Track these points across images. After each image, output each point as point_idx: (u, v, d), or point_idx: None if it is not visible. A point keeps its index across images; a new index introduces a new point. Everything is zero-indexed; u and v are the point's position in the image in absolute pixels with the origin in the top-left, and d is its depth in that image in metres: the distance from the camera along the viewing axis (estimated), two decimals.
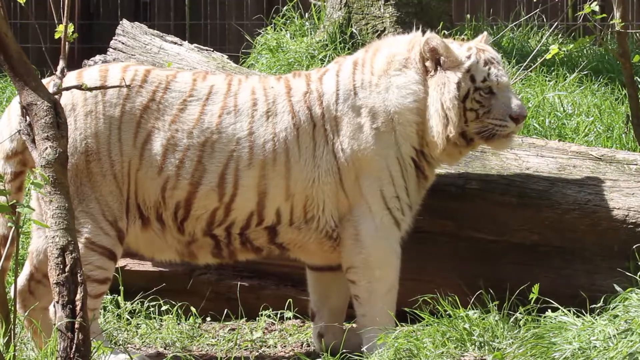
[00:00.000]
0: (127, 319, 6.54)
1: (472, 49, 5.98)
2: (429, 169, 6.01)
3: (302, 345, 6.38)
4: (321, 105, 5.95)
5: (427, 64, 5.94)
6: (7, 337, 5.12)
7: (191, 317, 6.58)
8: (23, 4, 6.11)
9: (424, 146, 5.96)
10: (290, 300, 6.57)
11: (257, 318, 6.60)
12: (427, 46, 5.92)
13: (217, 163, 5.86)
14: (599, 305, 5.87)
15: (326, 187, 5.89)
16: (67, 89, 5.45)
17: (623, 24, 7.29)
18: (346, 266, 5.96)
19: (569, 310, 5.67)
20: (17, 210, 5.08)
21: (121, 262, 6.54)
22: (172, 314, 6.56)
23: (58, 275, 4.96)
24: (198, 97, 5.94)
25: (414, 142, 5.93)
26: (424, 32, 6.06)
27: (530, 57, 8.41)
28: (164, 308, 6.59)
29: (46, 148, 5.10)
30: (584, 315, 5.61)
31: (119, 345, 6.23)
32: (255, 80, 6.06)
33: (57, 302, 4.93)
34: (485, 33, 6.18)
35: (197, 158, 5.86)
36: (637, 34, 10.75)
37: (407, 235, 5.99)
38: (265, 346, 6.36)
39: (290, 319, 6.60)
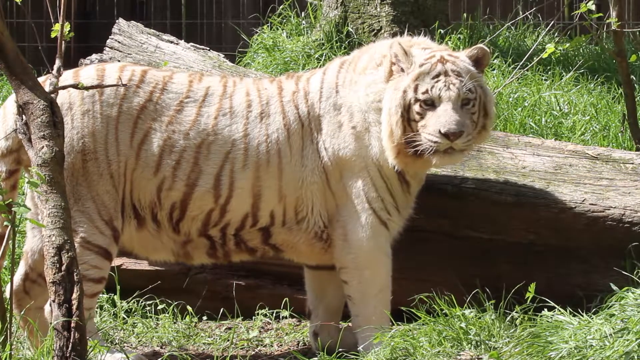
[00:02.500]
0: (124, 318, 6.53)
1: (433, 57, 5.78)
2: (408, 174, 5.88)
3: (298, 344, 6.38)
4: (307, 104, 5.93)
5: (393, 67, 5.84)
6: (3, 336, 5.12)
7: (187, 316, 6.57)
8: (20, 3, 6.12)
9: None
10: (287, 299, 6.57)
11: (254, 317, 6.60)
12: (392, 50, 5.82)
13: (213, 165, 5.86)
14: (595, 304, 5.88)
15: (314, 187, 5.87)
16: (64, 87, 5.45)
17: (619, 23, 7.30)
18: (338, 266, 5.95)
19: (565, 309, 5.67)
20: (12, 209, 5.07)
21: (117, 261, 6.54)
22: (168, 313, 6.56)
23: (54, 274, 4.95)
24: (194, 99, 5.93)
25: None
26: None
27: (527, 56, 8.40)
28: (160, 307, 6.58)
29: (42, 147, 5.10)
30: (581, 315, 5.60)
31: (115, 344, 6.23)
32: (249, 81, 6.06)
33: (54, 301, 4.93)
34: (480, 46, 5.87)
35: (193, 159, 5.86)
36: (633, 33, 10.75)
37: (399, 236, 5.98)
38: (262, 345, 6.36)
39: (286, 318, 6.60)
